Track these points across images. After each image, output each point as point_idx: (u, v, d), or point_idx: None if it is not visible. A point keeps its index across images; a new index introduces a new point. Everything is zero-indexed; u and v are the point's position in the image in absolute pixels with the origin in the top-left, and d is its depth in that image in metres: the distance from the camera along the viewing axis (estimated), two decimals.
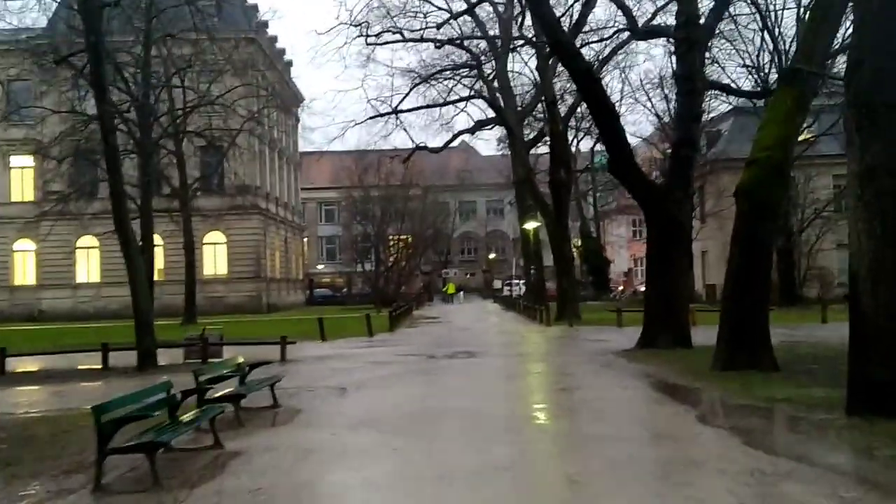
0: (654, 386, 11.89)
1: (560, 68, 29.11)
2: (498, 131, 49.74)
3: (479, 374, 13.79)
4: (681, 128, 17.25)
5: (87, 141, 30.46)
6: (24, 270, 50.64)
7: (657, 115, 45.08)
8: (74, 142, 31.64)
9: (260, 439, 8.85)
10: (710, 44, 19.02)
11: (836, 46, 15.57)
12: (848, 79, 8.82)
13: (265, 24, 55.57)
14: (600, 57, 28.51)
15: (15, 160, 48.82)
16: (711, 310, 25.69)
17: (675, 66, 18.68)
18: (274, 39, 57.96)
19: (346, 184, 58.54)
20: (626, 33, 20.54)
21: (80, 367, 18.29)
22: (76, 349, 19.85)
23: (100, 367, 17.70)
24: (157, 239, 48.19)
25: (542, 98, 31.31)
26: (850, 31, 14.64)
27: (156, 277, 48.79)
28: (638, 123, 73.00)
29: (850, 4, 11.16)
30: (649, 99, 46.58)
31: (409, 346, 20.58)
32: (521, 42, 30.52)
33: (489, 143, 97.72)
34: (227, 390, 10.42)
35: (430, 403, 10.69)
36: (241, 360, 11.55)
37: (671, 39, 18.75)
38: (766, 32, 29.52)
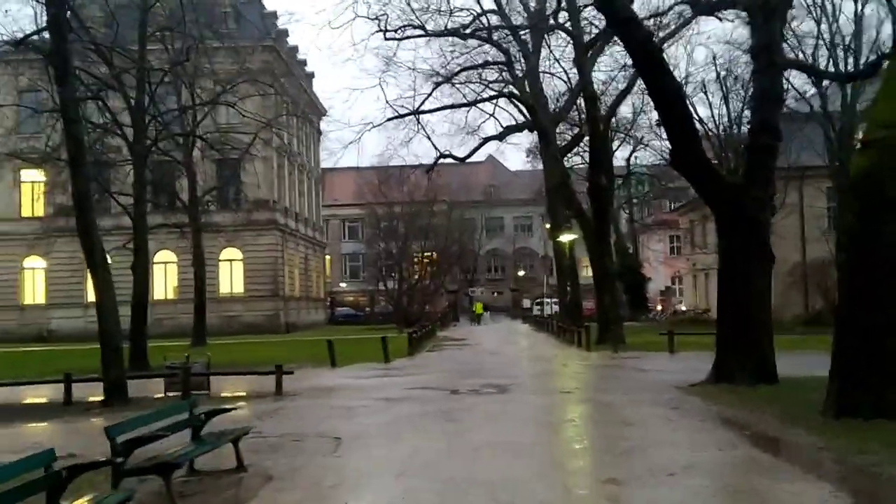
0: (758, 443, 8.65)
1: (601, 60, 26.24)
2: (527, 140, 46.92)
3: (515, 421, 10.64)
4: (759, 111, 14.13)
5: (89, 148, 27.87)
6: (34, 289, 48.61)
7: (700, 121, 41.82)
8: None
9: None
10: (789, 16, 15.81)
11: None
12: None
13: (285, 33, 53.42)
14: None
15: (26, 174, 46.62)
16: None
17: (750, 39, 15.53)
18: (294, 49, 55.65)
19: (370, 200, 55.97)
20: (688, 8, 17.43)
21: (39, 400, 15.59)
22: (41, 379, 17.06)
23: (62, 401, 14.90)
24: (171, 256, 46.33)
25: (580, 95, 28.31)
26: None
27: (171, 296, 46.94)
28: None
29: None
30: (691, 104, 43.30)
31: (429, 376, 17.50)
32: (555, 31, 27.47)
33: (516, 157, 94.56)
34: (169, 452, 7.44)
35: (451, 471, 7.61)
36: (197, 403, 8.56)
37: (743, 11, 15.66)
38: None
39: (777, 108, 14.60)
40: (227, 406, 8.93)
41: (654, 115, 62.18)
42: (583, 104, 34.76)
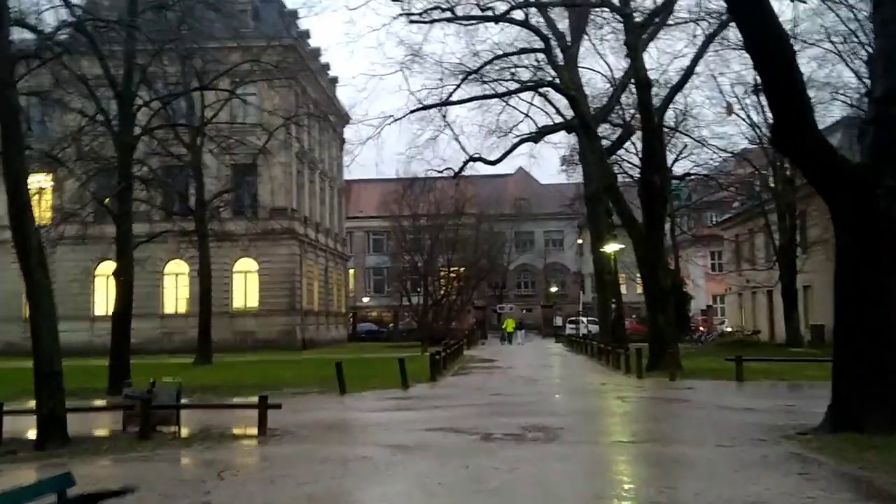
0: None
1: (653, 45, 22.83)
2: (564, 144, 43.34)
3: (582, 500, 7.28)
4: (888, 73, 10.74)
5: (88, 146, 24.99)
6: None
7: (753, 125, 38.37)
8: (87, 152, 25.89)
9: None
10: None
11: None
12: None
13: (307, 34, 50.86)
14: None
15: (33, 179, 44.01)
16: None
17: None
18: (317, 52, 53.05)
19: (395, 211, 53.04)
20: None
21: None
22: None
23: None
24: (182, 266, 43.46)
25: (627, 87, 25.04)
26: None
27: (182, 309, 44.05)
28: (728, 136, 66.36)
29: None
30: (742, 108, 39.83)
31: (454, 411, 14.13)
32: (600, 7, 24.11)
33: (548, 171, 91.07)
34: None
35: None
36: (72, 481, 5.32)
37: None
38: None
39: None
40: (114, 488, 5.67)
41: (704, 114, 58.22)
42: (626, 104, 31.69)
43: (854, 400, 10.31)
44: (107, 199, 26.72)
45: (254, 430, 11.78)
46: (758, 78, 11.24)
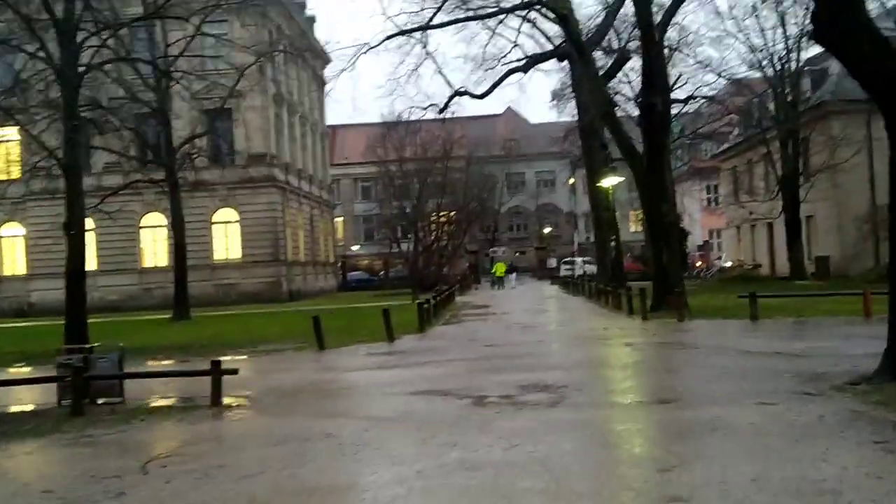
0: None
1: None
2: (554, 71, 41.16)
3: (599, 483, 5.63)
4: None
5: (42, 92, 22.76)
6: (13, 259, 44.22)
7: (751, 49, 36.31)
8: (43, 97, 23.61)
9: None
10: None
11: None
12: None
13: None
14: None
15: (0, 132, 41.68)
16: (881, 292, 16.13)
17: None
18: None
19: (381, 155, 50.97)
20: None
21: None
22: None
23: None
24: (160, 218, 41.46)
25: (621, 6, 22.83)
26: None
27: (161, 263, 42.10)
28: (726, 62, 63.93)
29: None
30: (741, 31, 37.66)
31: (442, 368, 12.42)
32: None
33: (537, 111, 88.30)
34: None
35: None
36: None
37: None
38: None
39: None
40: None
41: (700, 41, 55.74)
42: (621, 28, 29.54)
43: None
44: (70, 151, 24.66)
45: (207, 401, 10.08)
46: None
